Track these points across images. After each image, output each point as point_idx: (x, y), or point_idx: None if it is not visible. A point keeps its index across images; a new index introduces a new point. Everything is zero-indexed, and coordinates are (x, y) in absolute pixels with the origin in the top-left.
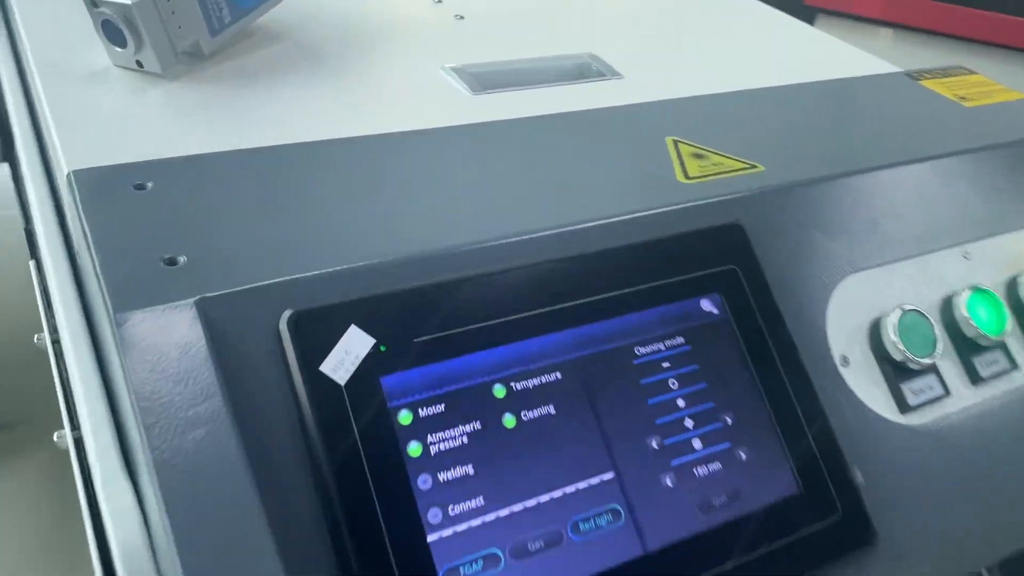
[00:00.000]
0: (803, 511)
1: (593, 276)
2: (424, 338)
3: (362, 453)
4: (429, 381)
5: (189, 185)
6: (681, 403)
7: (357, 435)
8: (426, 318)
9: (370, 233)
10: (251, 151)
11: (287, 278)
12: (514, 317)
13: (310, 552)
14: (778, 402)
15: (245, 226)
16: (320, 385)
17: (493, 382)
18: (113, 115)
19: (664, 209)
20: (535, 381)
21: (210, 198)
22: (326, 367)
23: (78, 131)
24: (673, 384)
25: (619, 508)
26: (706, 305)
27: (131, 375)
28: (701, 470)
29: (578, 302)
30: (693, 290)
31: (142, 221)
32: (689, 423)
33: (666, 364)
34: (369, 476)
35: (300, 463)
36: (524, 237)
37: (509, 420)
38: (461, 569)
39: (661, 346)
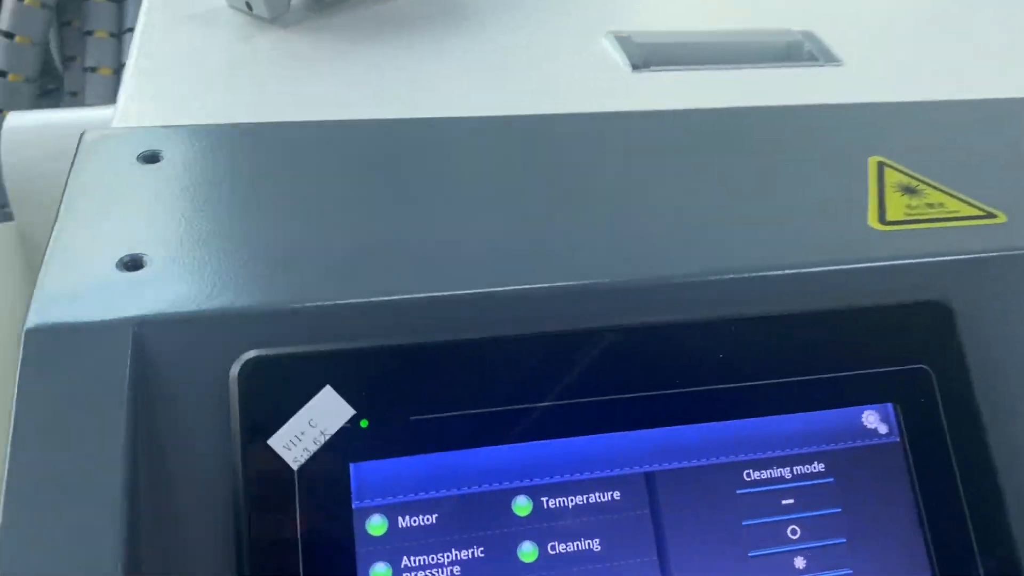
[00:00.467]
0: None
1: (697, 357)
2: (426, 416)
3: (300, 567)
4: (420, 478)
5: (216, 160)
6: (800, 564)
7: (300, 547)
8: (436, 388)
9: (437, 256)
10: (326, 123)
11: (275, 306)
12: (563, 402)
13: None
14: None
15: (273, 223)
16: (263, 467)
17: (515, 492)
18: (189, 63)
19: (831, 268)
20: (578, 499)
21: (239, 179)
22: (277, 441)
23: (142, 80)
24: (793, 534)
25: None
26: (871, 419)
27: (19, 403)
28: None
29: (666, 392)
30: (854, 395)
31: (128, 204)
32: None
33: (788, 501)
34: None
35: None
36: (613, 283)
37: (529, 552)
38: None
39: (786, 472)
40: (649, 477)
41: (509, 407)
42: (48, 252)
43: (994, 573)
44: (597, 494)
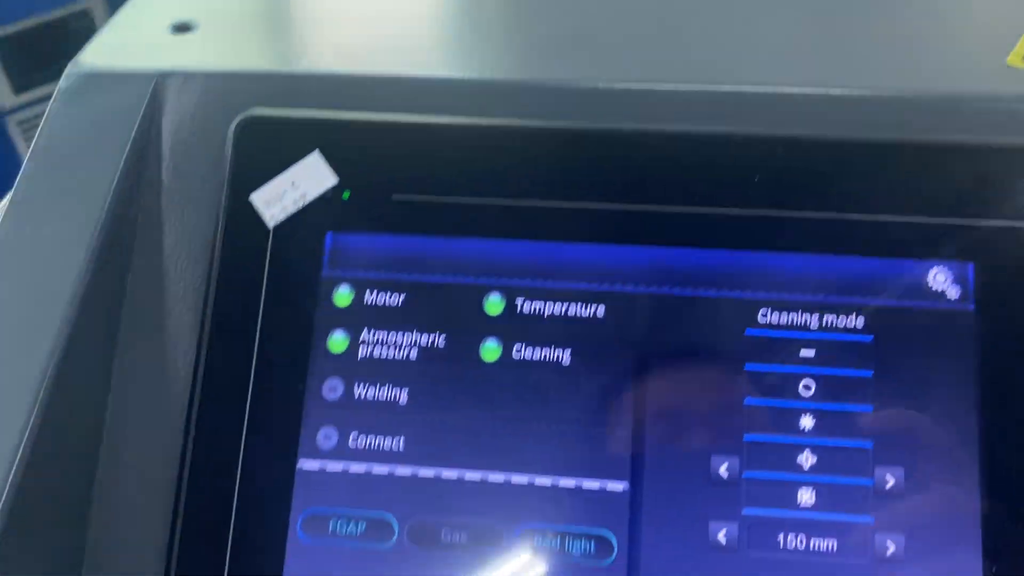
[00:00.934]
0: None
1: (729, 173)
2: (409, 197)
3: (259, 324)
4: (394, 258)
5: None
6: (807, 423)
7: (263, 301)
8: (423, 169)
9: (454, 39)
10: None
11: (297, 71)
12: (557, 203)
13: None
14: (1007, 489)
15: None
16: (242, 220)
17: (489, 288)
18: None
19: (934, 95)
20: (555, 307)
21: None
22: (258, 197)
23: None
24: (807, 390)
25: (611, 540)
26: (939, 278)
27: (41, 131)
28: (795, 541)
29: (681, 208)
30: (923, 245)
31: None
32: (808, 459)
33: (807, 353)
34: (256, 353)
35: (184, 311)
36: (661, 87)
37: (491, 350)
38: (332, 524)
39: (813, 320)
40: (641, 299)
41: (497, 200)
42: (116, 15)
43: None
44: (578, 305)
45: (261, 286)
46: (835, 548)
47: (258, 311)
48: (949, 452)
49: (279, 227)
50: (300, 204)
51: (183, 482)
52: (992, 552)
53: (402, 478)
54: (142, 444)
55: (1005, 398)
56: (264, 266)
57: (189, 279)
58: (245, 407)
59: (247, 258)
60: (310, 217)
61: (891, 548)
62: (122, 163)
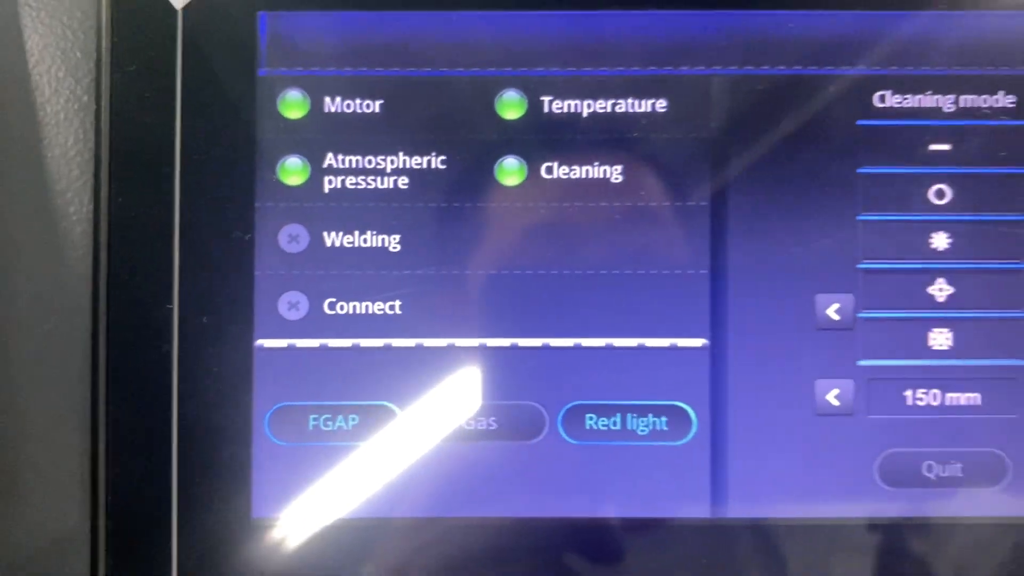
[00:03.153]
0: None
1: None
2: None
3: (176, 155)
4: (365, 46)
5: None
6: (940, 242)
7: (178, 119)
8: None
9: None
10: None
11: None
12: None
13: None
14: None
15: None
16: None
17: (503, 83)
18: None
19: None
20: (599, 104)
21: None
22: None
23: None
24: (939, 197)
25: (688, 412)
26: None
27: None
28: (927, 398)
29: None
30: None
31: None
32: (942, 290)
33: (940, 148)
34: (178, 193)
35: (68, 134)
36: None
37: (512, 170)
38: (312, 420)
39: (946, 102)
40: (716, 83)
41: None
42: None
43: None
44: (628, 100)
45: (173, 97)
46: (978, 402)
47: (172, 136)
48: None
49: (190, 7)
50: None
51: (98, 377)
52: None
53: (403, 352)
54: (42, 333)
55: None
56: (174, 66)
57: (71, 91)
58: (172, 268)
59: (148, 55)
60: None
61: None
62: None
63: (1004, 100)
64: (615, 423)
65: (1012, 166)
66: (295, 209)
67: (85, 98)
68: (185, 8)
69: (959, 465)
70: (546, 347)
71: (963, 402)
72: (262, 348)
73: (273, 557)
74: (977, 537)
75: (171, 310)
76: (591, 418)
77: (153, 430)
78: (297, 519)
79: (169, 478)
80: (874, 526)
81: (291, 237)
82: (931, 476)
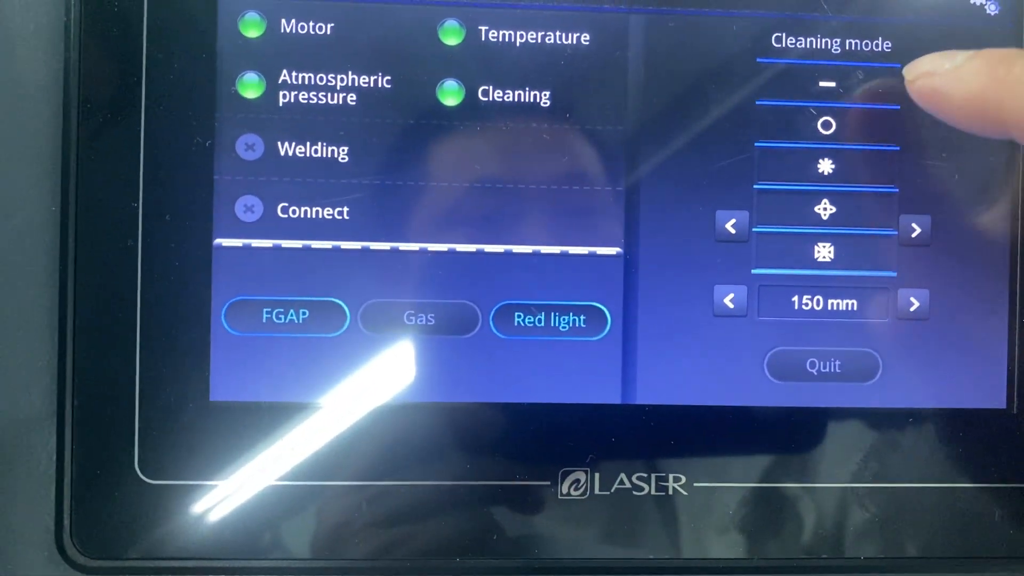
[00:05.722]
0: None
1: None
2: None
3: (143, 69)
4: None
5: None
6: (825, 167)
7: (144, 36)
8: None
9: None
10: None
11: None
12: None
13: None
14: None
15: None
16: None
17: (444, 12)
18: None
19: None
20: (530, 36)
21: None
22: None
23: None
24: (826, 128)
25: (604, 311)
26: None
27: None
28: (811, 303)
29: None
30: None
31: None
32: (826, 209)
33: (828, 84)
34: (143, 105)
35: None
36: None
37: (452, 91)
38: (265, 313)
39: (834, 44)
40: (633, 21)
41: None
42: None
43: None
44: (556, 32)
45: (141, 17)
46: (855, 308)
47: (140, 51)
48: (982, 197)
49: None
50: None
51: (67, 268)
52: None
53: (350, 253)
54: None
55: None
56: None
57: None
58: (138, 170)
59: None
60: None
61: (915, 305)
62: None
63: (883, 45)
64: (540, 320)
65: (888, 103)
66: (252, 120)
67: (54, 13)
68: None
69: (838, 362)
70: (480, 252)
71: (842, 307)
72: (220, 246)
73: (229, 436)
74: (852, 424)
75: (136, 208)
76: (519, 316)
77: (118, 318)
78: (251, 401)
79: (133, 363)
80: (763, 413)
81: (248, 146)
82: (813, 371)
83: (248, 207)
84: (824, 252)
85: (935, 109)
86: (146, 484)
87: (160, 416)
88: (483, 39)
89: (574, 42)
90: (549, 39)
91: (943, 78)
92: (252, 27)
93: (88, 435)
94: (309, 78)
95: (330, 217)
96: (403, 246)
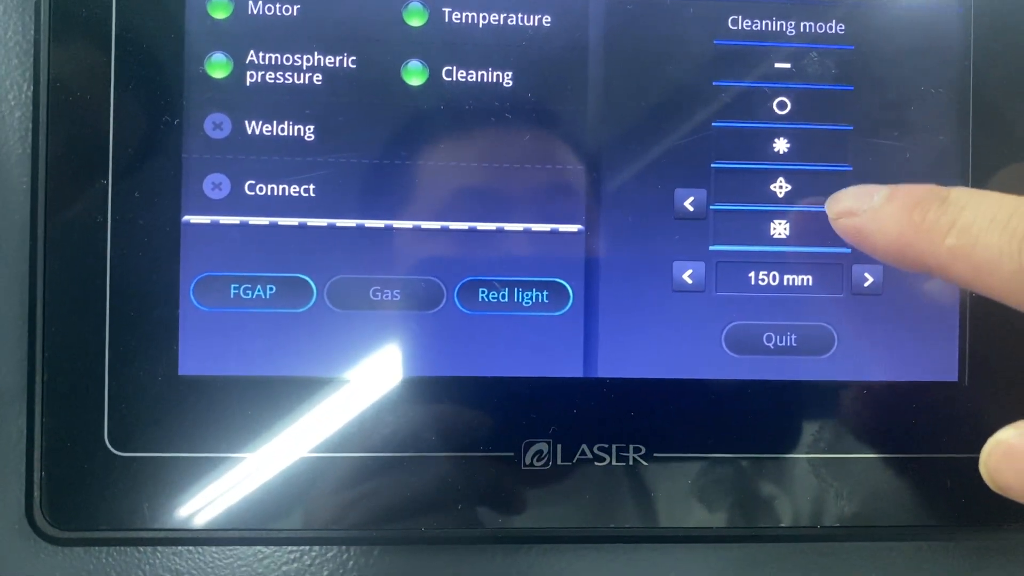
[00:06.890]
0: (957, 402)
1: None
2: None
3: (112, 48)
4: None
5: None
6: (781, 146)
7: (113, 12)
8: None
9: None
10: None
11: None
12: None
13: None
14: None
15: None
16: None
17: None
18: None
19: None
20: (493, 17)
21: None
22: None
23: None
24: (781, 108)
25: (566, 287)
26: None
27: None
28: (767, 279)
29: None
30: None
31: None
32: (782, 187)
33: (783, 66)
34: (113, 83)
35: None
36: None
37: (416, 71)
38: (233, 289)
39: (789, 27)
40: (594, 4)
41: None
42: None
43: None
44: (519, 14)
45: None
46: (810, 283)
47: (109, 30)
48: (933, 175)
49: None
50: None
51: (37, 244)
52: None
53: (317, 230)
54: None
55: (995, 107)
56: None
57: None
58: (107, 148)
59: None
60: None
61: (868, 280)
62: None
63: (837, 27)
64: (503, 296)
65: (841, 83)
66: (220, 99)
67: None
68: None
69: (794, 336)
70: (445, 229)
71: (798, 283)
72: (188, 223)
73: (198, 409)
74: (807, 397)
75: (106, 185)
76: (483, 291)
77: (88, 294)
78: (219, 376)
79: (102, 337)
80: (720, 386)
81: (215, 124)
82: (770, 345)
83: (216, 184)
84: (780, 229)
85: (859, 247)
86: (116, 456)
87: (129, 390)
88: (446, 20)
89: (536, 24)
90: (511, 21)
91: (863, 219)
92: (220, 8)
93: (58, 408)
94: (276, 58)
95: (296, 194)
96: (369, 223)
